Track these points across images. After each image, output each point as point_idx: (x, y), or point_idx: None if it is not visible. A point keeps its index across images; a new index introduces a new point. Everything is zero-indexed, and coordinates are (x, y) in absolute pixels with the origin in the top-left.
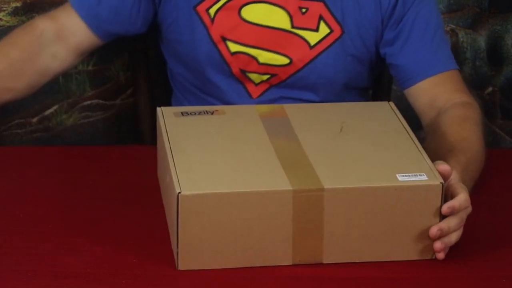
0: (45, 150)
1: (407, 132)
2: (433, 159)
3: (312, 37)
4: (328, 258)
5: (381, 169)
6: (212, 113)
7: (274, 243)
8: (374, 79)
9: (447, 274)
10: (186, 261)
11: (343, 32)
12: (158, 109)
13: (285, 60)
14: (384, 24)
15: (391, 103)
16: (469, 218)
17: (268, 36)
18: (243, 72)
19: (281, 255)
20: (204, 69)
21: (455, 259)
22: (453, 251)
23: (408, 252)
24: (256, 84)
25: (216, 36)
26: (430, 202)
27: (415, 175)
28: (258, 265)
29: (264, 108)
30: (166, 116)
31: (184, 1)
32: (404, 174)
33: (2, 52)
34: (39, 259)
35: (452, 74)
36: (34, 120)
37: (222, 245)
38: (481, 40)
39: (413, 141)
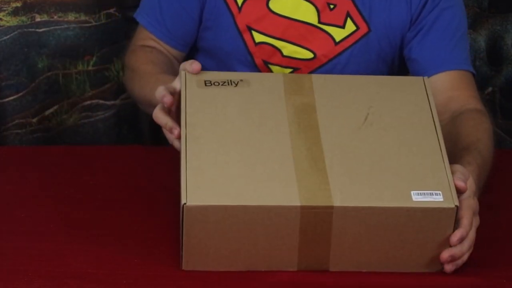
0: (45, 150)
1: (434, 124)
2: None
3: (338, 34)
4: (334, 267)
5: (397, 183)
6: (236, 85)
7: (280, 252)
8: None
9: (448, 274)
10: (190, 263)
11: (369, 30)
12: (182, 73)
13: (309, 55)
14: (411, 22)
15: (426, 79)
16: None
17: (294, 29)
18: (266, 63)
19: (286, 264)
20: (226, 57)
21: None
22: None
23: (416, 265)
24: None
25: (242, 25)
26: (443, 223)
27: (430, 194)
28: (263, 270)
29: (291, 81)
30: (189, 85)
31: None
32: (419, 192)
33: (149, 60)
34: (39, 259)
35: (467, 76)
36: (34, 120)
37: (226, 252)
38: (481, 40)
39: (438, 139)
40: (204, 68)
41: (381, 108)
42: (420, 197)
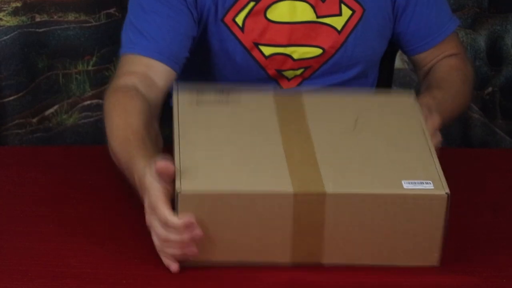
0: (45, 150)
1: (423, 131)
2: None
3: (338, 22)
4: (328, 259)
5: (388, 173)
6: (227, 102)
7: (273, 242)
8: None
9: (448, 274)
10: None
11: (364, 10)
12: (174, 93)
13: (318, 51)
14: None
15: (412, 92)
16: (469, 218)
17: (298, 32)
18: (279, 71)
19: (280, 253)
20: (238, 76)
21: (455, 259)
22: (453, 251)
23: (411, 257)
24: (289, 79)
25: (248, 44)
26: (435, 211)
27: (421, 183)
28: (255, 261)
29: (281, 101)
30: (181, 103)
31: (212, 15)
32: (410, 181)
33: (127, 122)
34: (39, 259)
35: (452, 37)
36: (34, 120)
37: (220, 242)
38: (481, 40)
39: (427, 142)
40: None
41: (370, 116)
42: (411, 185)
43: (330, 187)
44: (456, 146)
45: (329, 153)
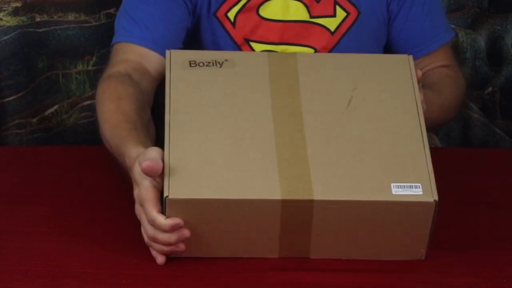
0: (45, 150)
1: (417, 109)
2: None
3: (332, 23)
4: (314, 254)
5: (377, 175)
6: (221, 65)
7: (261, 242)
8: None
9: (447, 274)
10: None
11: (359, 12)
12: (167, 52)
13: (310, 51)
14: None
15: (410, 58)
16: (469, 218)
17: (290, 30)
18: None
19: (268, 251)
20: None
21: (455, 259)
22: (453, 251)
23: (396, 253)
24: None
25: (239, 39)
26: (422, 216)
27: (410, 187)
28: (244, 256)
29: (276, 62)
30: (174, 66)
31: (205, 9)
32: (399, 185)
33: (119, 106)
34: (39, 259)
35: (446, 48)
36: (34, 120)
37: (208, 241)
38: (481, 40)
39: (420, 125)
40: None
41: (364, 90)
42: (400, 190)
43: (318, 193)
44: (456, 146)
45: (320, 145)
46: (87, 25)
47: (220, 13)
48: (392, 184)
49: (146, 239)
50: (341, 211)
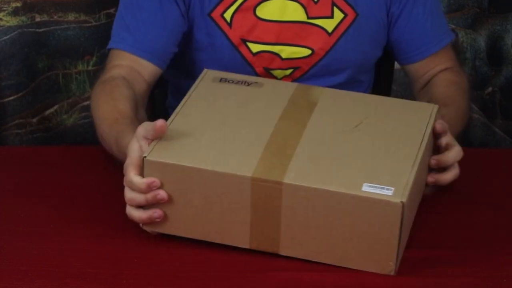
0: (45, 150)
1: (421, 141)
2: None
3: (329, 24)
4: (285, 250)
5: (354, 174)
6: (249, 85)
7: (233, 224)
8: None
9: (447, 274)
10: (150, 225)
11: (357, 14)
12: (204, 70)
13: (307, 52)
14: None
15: (436, 107)
16: (469, 218)
17: (287, 31)
18: (267, 70)
19: (239, 237)
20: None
21: (455, 259)
22: (453, 251)
23: (366, 262)
24: (279, 80)
25: (236, 39)
26: (389, 218)
27: (382, 188)
28: (217, 242)
29: (301, 90)
30: (205, 80)
31: (198, 10)
32: (372, 185)
33: (115, 106)
34: (39, 259)
35: (447, 49)
36: (34, 120)
37: (183, 216)
38: (481, 40)
39: (417, 152)
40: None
41: (376, 120)
42: (370, 189)
43: (289, 178)
44: None
45: (310, 148)
46: (87, 25)
47: (215, 14)
48: (365, 183)
49: (127, 209)
50: (309, 201)
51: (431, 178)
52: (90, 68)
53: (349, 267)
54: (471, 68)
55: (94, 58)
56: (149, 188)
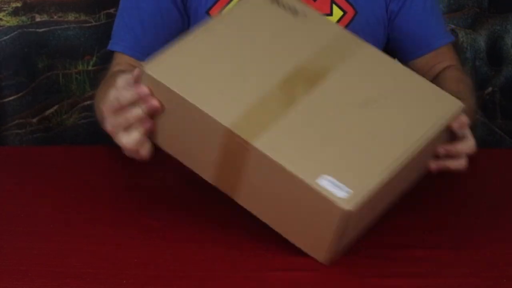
0: (45, 150)
1: (418, 143)
2: None
3: None
4: (241, 199)
5: (322, 160)
6: (296, 15)
7: (203, 157)
8: None
9: (447, 274)
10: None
11: (356, 12)
12: None
13: None
14: None
15: (461, 105)
16: (470, 218)
17: None
18: None
19: (206, 171)
20: None
21: (455, 259)
22: (453, 251)
23: (304, 243)
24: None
25: None
26: (332, 218)
27: (338, 187)
28: (188, 167)
29: (340, 37)
30: None
31: (197, 7)
32: (331, 180)
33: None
34: (39, 259)
35: (450, 48)
36: (34, 120)
37: (169, 132)
38: (481, 40)
39: (404, 155)
40: None
41: (386, 103)
42: (325, 182)
43: (258, 142)
44: None
45: (301, 117)
46: (87, 25)
47: (213, 12)
48: (324, 175)
49: (117, 139)
50: (267, 170)
51: (434, 165)
52: (90, 68)
53: (291, 241)
54: (471, 68)
55: (94, 58)
56: (140, 95)
